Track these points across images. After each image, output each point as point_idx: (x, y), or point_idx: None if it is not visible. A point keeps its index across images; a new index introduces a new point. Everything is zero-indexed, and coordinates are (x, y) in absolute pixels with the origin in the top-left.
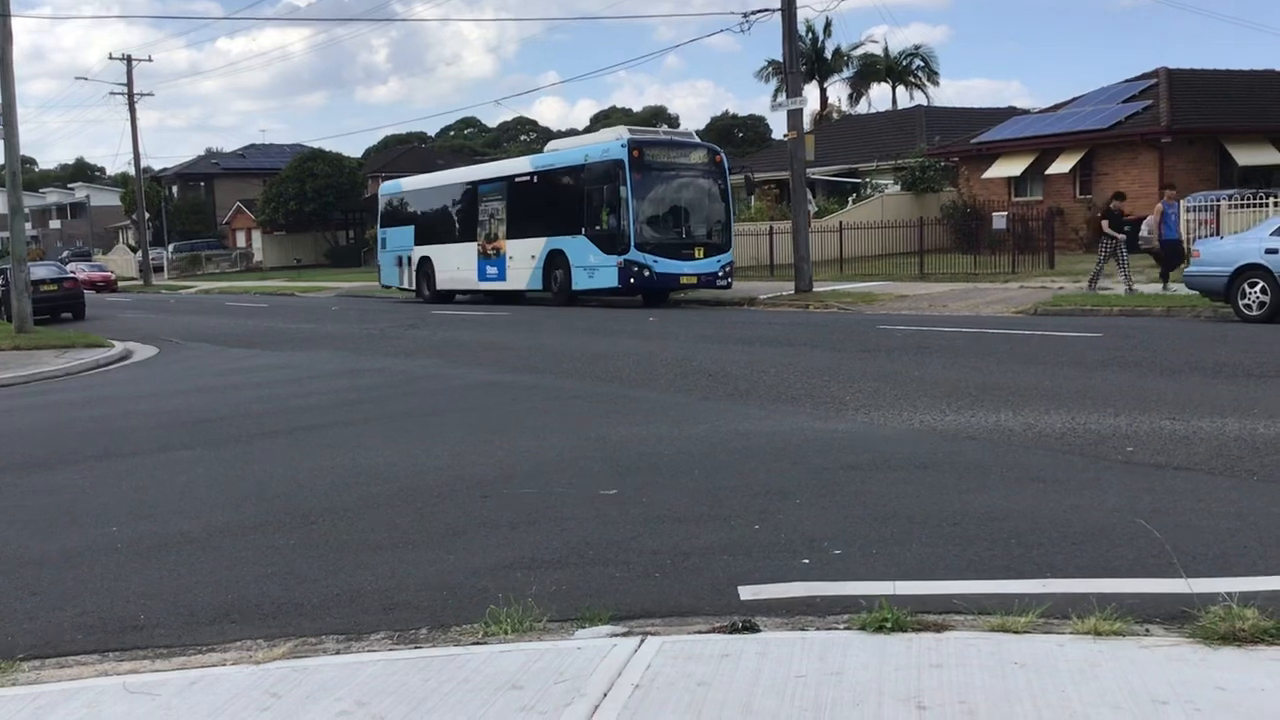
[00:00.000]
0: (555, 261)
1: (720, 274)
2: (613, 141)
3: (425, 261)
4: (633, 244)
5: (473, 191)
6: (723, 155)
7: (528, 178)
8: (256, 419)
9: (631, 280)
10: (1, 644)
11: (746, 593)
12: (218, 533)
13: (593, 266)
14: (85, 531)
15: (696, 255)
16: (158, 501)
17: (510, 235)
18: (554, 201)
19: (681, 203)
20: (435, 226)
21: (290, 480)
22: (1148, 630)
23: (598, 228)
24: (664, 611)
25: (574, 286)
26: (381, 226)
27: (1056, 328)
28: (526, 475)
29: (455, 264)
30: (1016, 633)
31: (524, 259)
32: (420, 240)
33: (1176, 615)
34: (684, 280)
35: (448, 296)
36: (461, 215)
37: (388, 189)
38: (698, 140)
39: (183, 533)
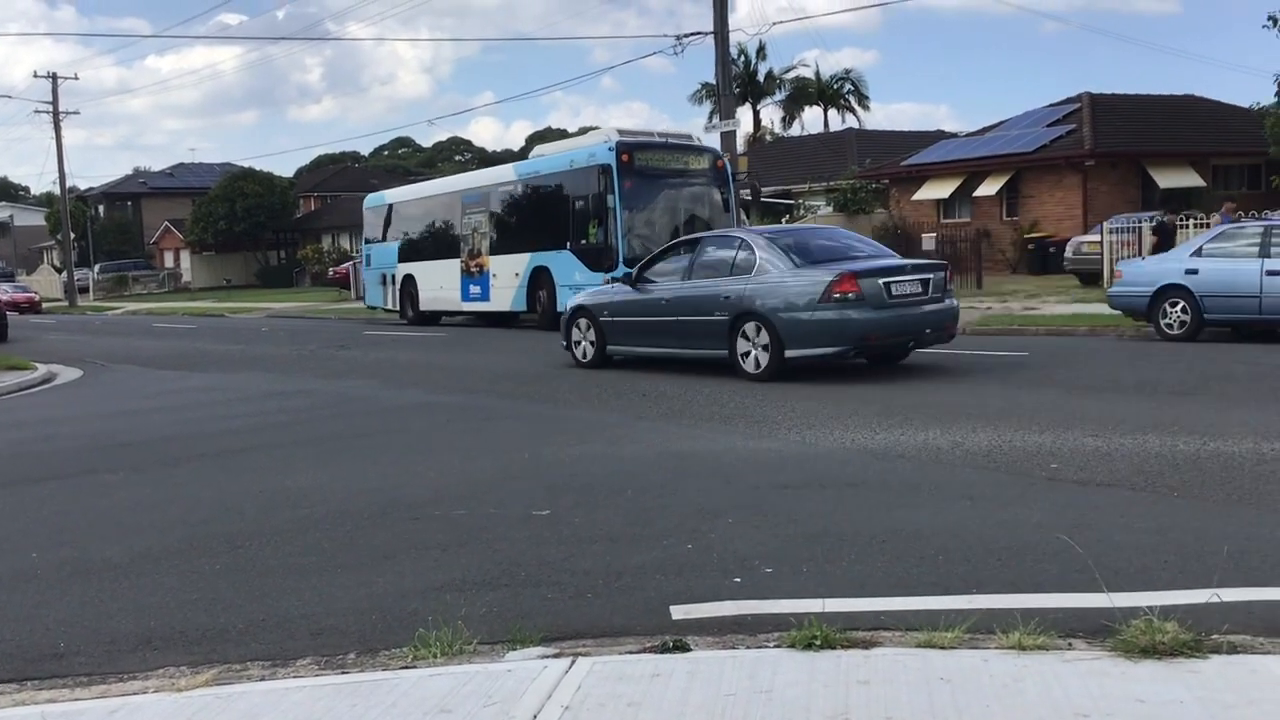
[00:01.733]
0: (540, 280)
1: None
2: (600, 144)
3: (409, 280)
4: (620, 260)
5: (456, 203)
6: (725, 161)
7: (511, 186)
8: (183, 442)
9: None
10: None
11: (678, 612)
12: (141, 558)
13: (578, 285)
14: (4, 558)
15: None
16: (80, 527)
17: (494, 251)
18: (539, 213)
19: (678, 213)
20: (419, 242)
21: (217, 504)
22: (1070, 644)
23: (583, 242)
24: (596, 632)
25: (558, 308)
26: (365, 242)
27: (984, 347)
28: (458, 497)
29: (439, 282)
30: (943, 648)
31: (508, 277)
32: (404, 257)
33: (1099, 629)
34: None
35: (433, 318)
36: (445, 229)
37: (372, 200)
38: (697, 143)
39: (105, 559)
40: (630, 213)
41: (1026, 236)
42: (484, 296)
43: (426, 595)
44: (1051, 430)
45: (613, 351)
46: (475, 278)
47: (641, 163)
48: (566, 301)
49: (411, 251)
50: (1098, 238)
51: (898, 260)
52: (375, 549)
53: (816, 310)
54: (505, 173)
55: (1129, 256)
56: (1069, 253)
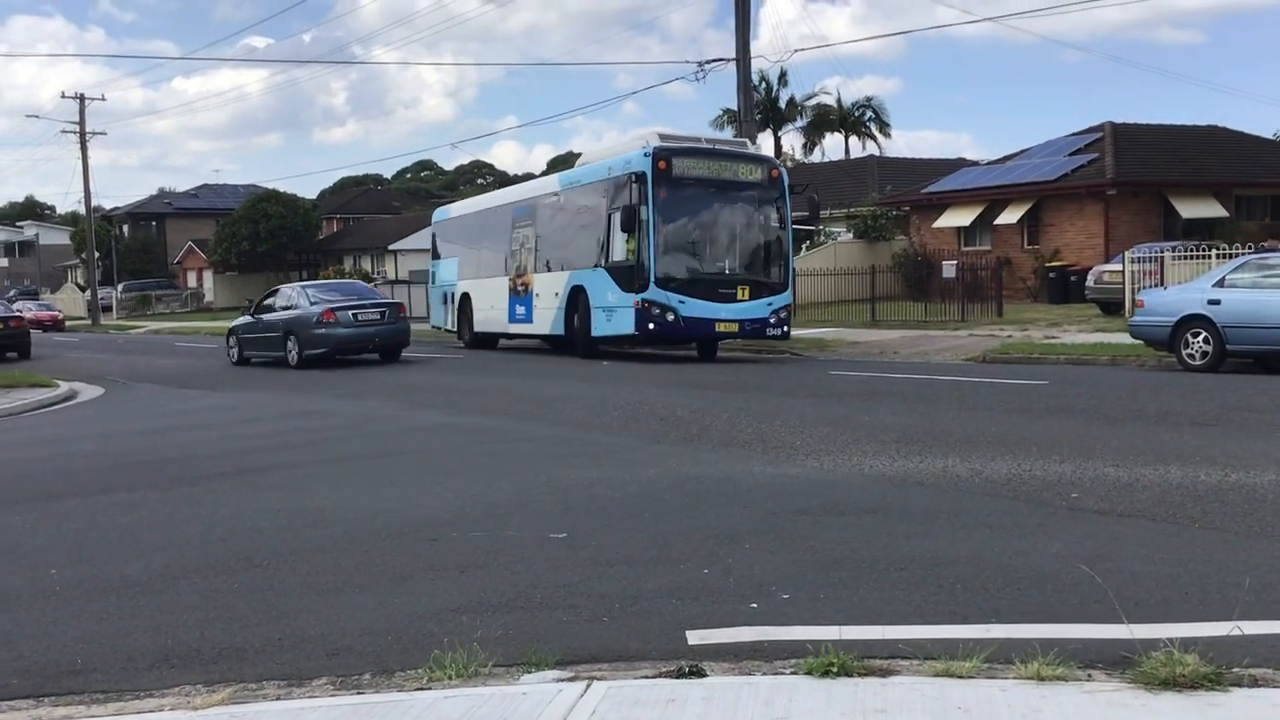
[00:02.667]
0: (576, 301)
1: (771, 320)
2: (636, 151)
3: (465, 299)
4: (653, 279)
5: (506, 216)
6: (782, 170)
7: (554, 198)
8: (202, 461)
9: (651, 325)
10: None
11: (694, 637)
12: (159, 576)
13: (611, 307)
14: (24, 574)
15: (739, 296)
16: (99, 544)
17: (538, 268)
18: (578, 226)
19: (721, 228)
20: (476, 258)
21: (235, 523)
22: (1090, 675)
23: (616, 259)
24: (611, 656)
25: (593, 332)
26: (432, 258)
27: (1004, 375)
28: (475, 518)
29: (490, 302)
30: (961, 677)
31: (549, 297)
32: (463, 274)
33: (1118, 661)
34: (721, 328)
35: (489, 341)
36: (496, 245)
37: (438, 215)
38: (749, 150)
39: (124, 576)
40: (666, 227)
41: (1047, 265)
42: (528, 318)
43: (443, 616)
44: (1072, 459)
45: (247, 355)
46: (521, 297)
47: (682, 170)
48: (597, 325)
49: (468, 268)
50: (1119, 267)
51: (363, 300)
52: (392, 570)
53: (315, 329)
54: (550, 183)
55: (1150, 286)
56: (1090, 282)
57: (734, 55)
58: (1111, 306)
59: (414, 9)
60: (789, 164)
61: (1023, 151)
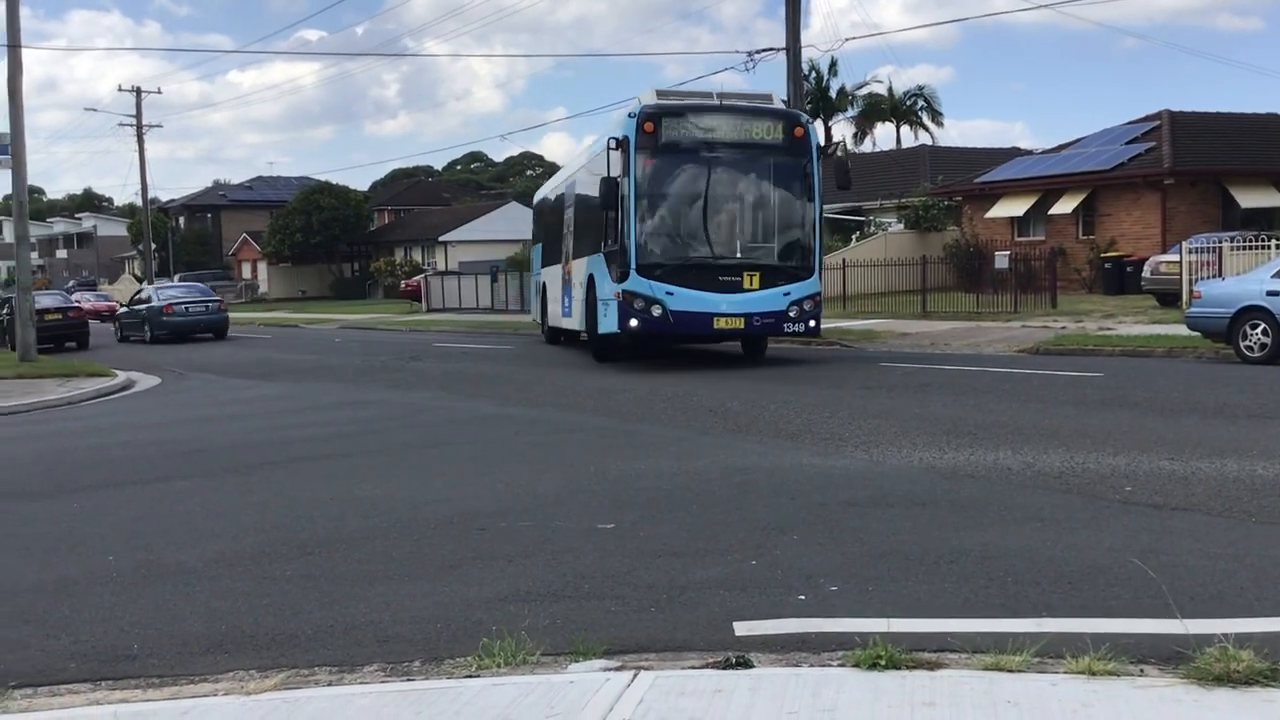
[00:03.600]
0: (592, 291)
1: (791, 314)
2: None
3: (543, 289)
4: (633, 266)
5: (562, 195)
6: (809, 129)
7: (583, 173)
8: (255, 449)
9: (634, 322)
10: None
11: (741, 628)
12: (214, 563)
13: (606, 300)
14: (82, 560)
15: (746, 285)
16: (155, 531)
17: (575, 253)
18: (598, 206)
19: (725, 201)
20: (550, 243)
21: (288, 511)
22: (1142, 671)
23: (610, 244)
24: (658, 646)
25: (598, 329)
26: (531, 243)
27: (1058, 367)
28: (524, 508)
29: (554, 293)
30: (1010, 671)
31: (579, 287)
32: (544, 260)
33: (1171, 656)
34: (721, 324)
35: (570, 335)
36: (561, 228)
37: (539, 194)
38: (766, 104)
39: (179, 563)
40: (650, 202)
41: (1103, 255)
42: (569, 310)
43: (491, 605)
44: (1126, 452)
45: (126, 335)
46: (566, 287)
47: (675, 133)
48: (600, 321)
49: (546, 255)
50: (1176, 257)
51: (195, 298)
52: (442, 558)
53: (162, 317)
54: (582, 157)
55: (1208, 277)
56: (1146, 272)
57: (784, 44)
58: (1168, 297)
59: (465, 2)
60: (840, 153)
61: (1078, 140)
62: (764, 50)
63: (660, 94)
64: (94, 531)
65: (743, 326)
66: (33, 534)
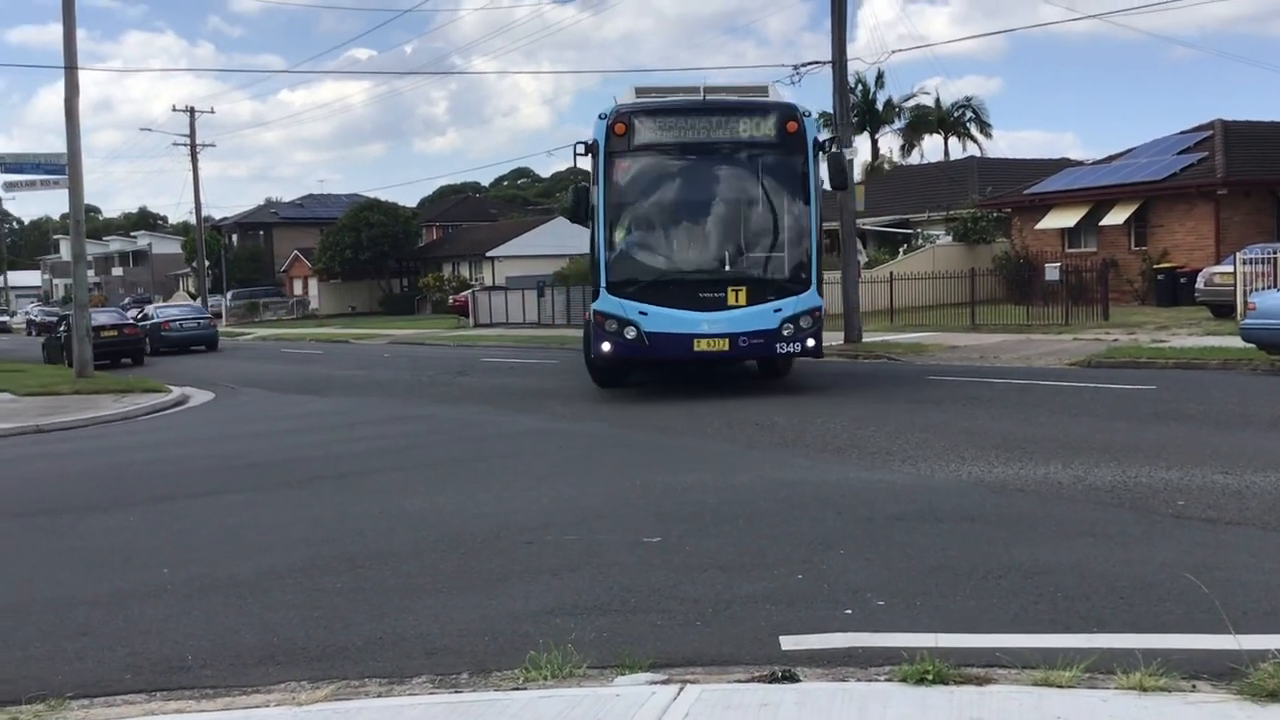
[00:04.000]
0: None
1: (784, 333)
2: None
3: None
4: (603, 283)
5: None
6: (803, 122)
7: None
8: (306, 464)
9: (607, 346)
10: (51, 683)
11: (788, 642)
12: (265, 575)
13: (590, 321)
14: (138, 573)
15: (731, 301)
16: (208, 544)
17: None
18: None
19: (706, 207)
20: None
21: (337, 525)
22: (1194, 686)
23: (588, 256)
24: (704, 660)
25: (589, 353)
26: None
27: (1110, 380)
28: (570, 522)
29: None
30: (1060, 687)
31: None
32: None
33: (1224, 672)
34: (703, 346)
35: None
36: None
37: None
38: (756, 98)
39: (231, 575)
40: (622, 212)
41: (1155, 267)
42: None
43: (538, 618)
44: (1179, 466)
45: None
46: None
47: (650, 134)
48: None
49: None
50: (1230, 268)
51: (189, 316)
52: (489, 571)
53: (161, 332)
54: None
55: (1263, 288)
56: (1200, 284)
57: (830, 58)
58: (1222, 309)
59: (512, 19)
60: (887, 166)
61: (1129, 151)
62: (810, 64)
63: (640, 91)
64: (149, 545)
65: (728, 348)
66: (90, 547)
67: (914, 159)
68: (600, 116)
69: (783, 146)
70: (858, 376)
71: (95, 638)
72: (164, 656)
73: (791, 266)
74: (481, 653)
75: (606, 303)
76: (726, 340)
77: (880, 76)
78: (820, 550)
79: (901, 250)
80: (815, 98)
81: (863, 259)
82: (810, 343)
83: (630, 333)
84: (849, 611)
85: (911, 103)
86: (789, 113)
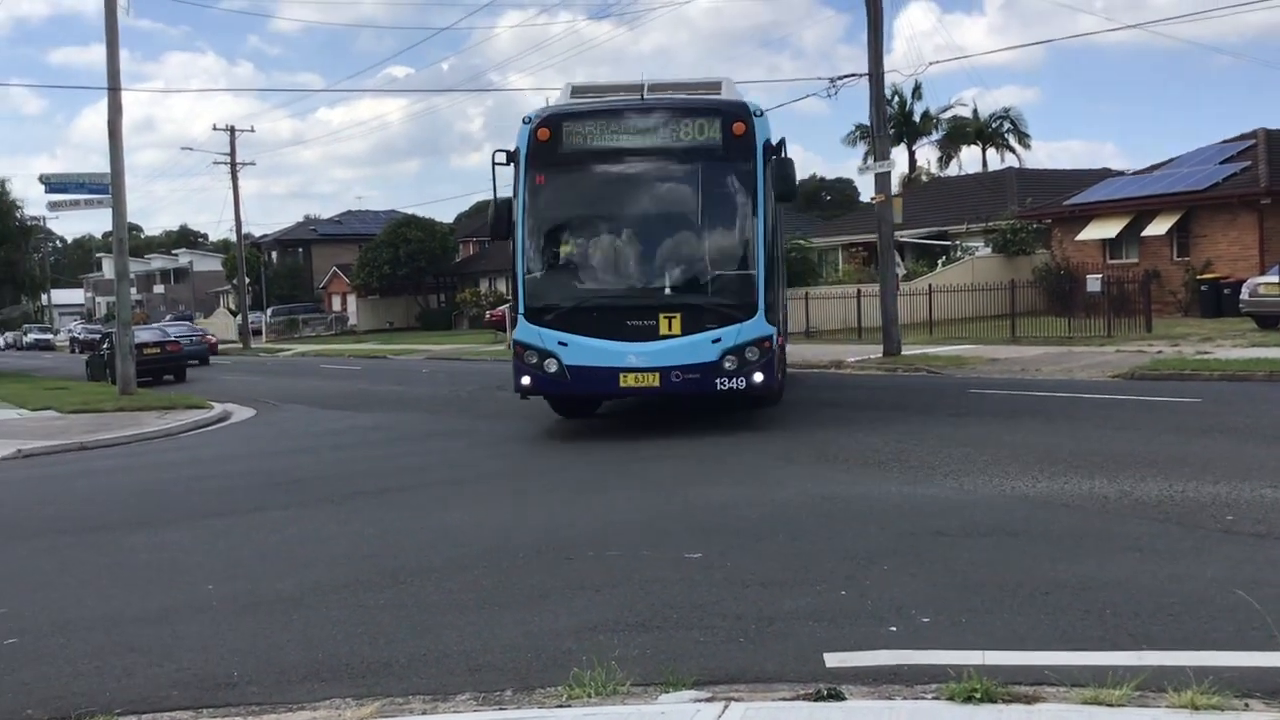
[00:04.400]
0: None
1: (726, 366)
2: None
3: None
4: (521, 309)
5: None
6: (751, 123)
7: None
8: (349, 480)
9: (526, 380)
10: (100, 699)
11: (832, 660)
12: (309, 591)
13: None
14: (182, 589)
15: (663, 330)
16: (252, 560)
17: None
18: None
19: (635, 223)
20: None
21: (380, 541)
22: (1247, 705)
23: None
24: (748, 677)
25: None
26: None
27: (1154, 393)
28: (611, 538)
29: None
30: (1110, 705)
31: None
32: None
33: (1278, 690)
34: (628, 381)
35: None
36: None
37: None
38: (704, 96)
39: (275, 591)
40: (541, 230)
41: (1198, 278)
42: None
43: (581, 635)
44: (1227, 480)
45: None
46: None
47: (578, 140)
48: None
49: None
50: (1275, 279)
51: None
52: (531, 587)
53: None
54: None
55: None
56: (1244, 294)
57: (867, 70)
58: (1268, 320)
59: (547, 35)
60: (924, 178)
61: (1171, 160)
62: (847, 77)
63: (576, 90)
64: (193, 561)
65: (658, 384)
66: (135, 564)
67: (952, 170)
68: (524, 120)
69: (728, 151)
70: (897, 389)
71: (142, 654)
72: (210, 673)
73: (734, 289)
74: (525, 669)
75: (525, 331)
76: (657, 375)
77: (917, 88)
78: (863, 566)
79: (940, 262)
80: (852, 110)
81: (901, 271)
82: (757, 378)
83: (551, 365)
84: (894, 628)
85: (949, 114)
86: (736, 112)
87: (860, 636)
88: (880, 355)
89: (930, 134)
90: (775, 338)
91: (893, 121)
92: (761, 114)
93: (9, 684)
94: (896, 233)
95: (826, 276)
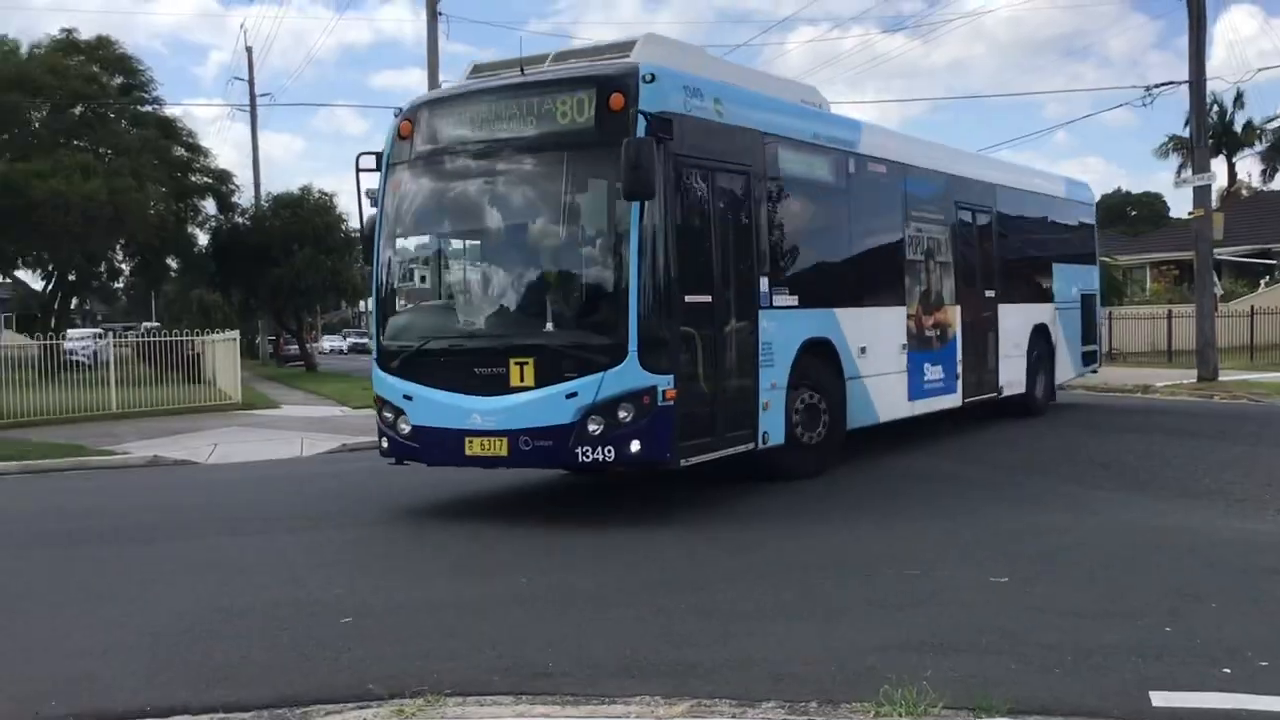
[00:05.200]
0: None
1: (591, 430)
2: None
3: None
4: (375, 355)
5: None
6: (633, 94)
7: None
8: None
9: (384, 442)
10: (430, 680)
11: (1159, 698)
12: (615, 590)
13: None
14: (498, 581)
15: (513, 380)
16: (562, 553)
17: None
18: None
19: (489, 238)
20: None
21: (679, 546)
22: None
23: None
24: (1064, 709)
25: None
26: None
27: None
28: (908, 556)
29: None
30: None
31: None
32: None
33: None
34: (474, 449)
35: None
36: None
37: None
38: (582, 66)
39: (582, 588)
40: (396, 250)
41: None
42: None
43: (884, 652)
44: None
45: None
46: None
47: (436, 136)
48: None
49: None
50: None
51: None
52: (829, 601)
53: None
54: None
55: None
56: None
57: (1187, 78)
58: None
59: (839, 50)
60: (1245, 193)
61: None
62: (1164, 85)
63: (478, 68)
64: (509, 553)
65: (506, 453)
66: (455, 553)
67: (1276, 185)
68: (394, 113)
69: (602, 135)
70: (1215, 417)
71: (463, 640)
72: (526, 661)
73: (595, 323)
74: (828, 683)
75: (378, 381)
76: (504, 441)
77: (1239, 97)
78: (1189, 601)
79: (1263, 283)
80: (1166, 120)
81: (1218, 291)
82: (634, 448)
83: (403, 425)
84: (1227, 670)
85: (1274, 124)
86: (613, 83)
87: (1189, 676)
88: (1194, 381)
89: (1252, 145)
90: (664, 390)
91: (1211, 132)
92: (652, 79)
93: (348, 659)
94: (1215, 250)
95: (1132, 295)
